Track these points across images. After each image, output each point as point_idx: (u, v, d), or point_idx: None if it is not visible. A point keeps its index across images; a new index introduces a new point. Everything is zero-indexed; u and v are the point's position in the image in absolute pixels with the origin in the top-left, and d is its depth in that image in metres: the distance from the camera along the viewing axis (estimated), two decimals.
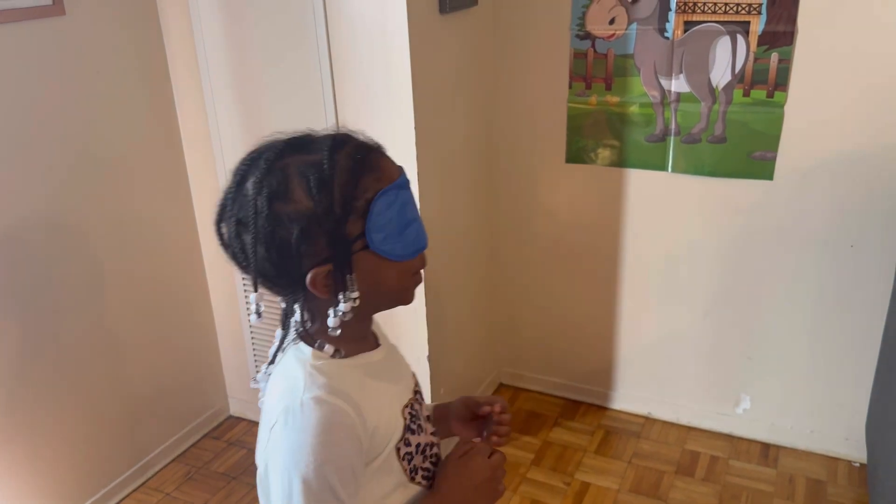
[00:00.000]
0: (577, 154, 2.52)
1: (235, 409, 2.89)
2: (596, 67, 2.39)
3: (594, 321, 2.72)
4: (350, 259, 0.88)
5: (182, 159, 2.53)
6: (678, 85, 2.29)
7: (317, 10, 2.08)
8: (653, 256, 2.53)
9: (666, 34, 2.25)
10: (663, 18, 2.24)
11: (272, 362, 0.96)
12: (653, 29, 2.26)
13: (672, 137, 2.36)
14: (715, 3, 2.16)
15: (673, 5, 2.21)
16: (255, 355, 2.74)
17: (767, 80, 2.17)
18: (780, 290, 2.36)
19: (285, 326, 0.97)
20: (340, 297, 0.88)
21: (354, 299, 0.89)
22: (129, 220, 2.35)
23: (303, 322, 0.94)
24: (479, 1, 2.33)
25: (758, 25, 2.13)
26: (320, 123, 2.21)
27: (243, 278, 2.55)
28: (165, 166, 2.47)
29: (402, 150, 2.12)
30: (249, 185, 0.87)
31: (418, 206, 2.13)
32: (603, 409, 2.82)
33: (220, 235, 0.91)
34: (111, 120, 2.24)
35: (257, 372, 1.00)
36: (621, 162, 2.46)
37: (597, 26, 2.34)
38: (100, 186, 2.24)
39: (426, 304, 2.30)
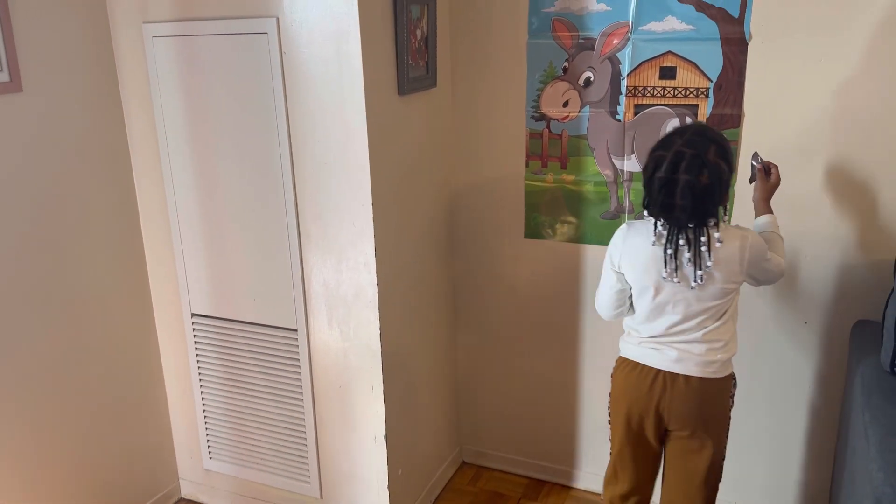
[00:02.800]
0: (535, 230, 2.55)
1: (187, 491, 2.78)
2: (551, 147, 2.45)
3: (556, 396, 2.70)
4: None
5: (139, 232, 2.51)
6: (630, 165, 2.35)
7: (276, 89, 2.11)
8: (613, 332, 2.53)
9: (617, 116, 2.32)
10: (614, 102, 2.31)
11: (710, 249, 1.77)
12: (605, 111, 2.33)
13: (626, 215, 2.40)
14: (664, 88, 2.24)
15: (623, 89, 2.29)
16: (207, 434, 2.66)
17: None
18: (738, 363, 2.37)
19: (709, 223, 1.78)
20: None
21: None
22: (81, 294, 2.31)
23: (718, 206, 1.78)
24: (437, 83, 2.39)
25: (706, 108, 2.21)
26: (279, 200, 2.22)
27: (199, 349, 2.50)
28: (121, 239, 2.45)
29: (360, 227, 2.13)
30: (713, 156, 1.72)
31: (377, 278, 2.16)
32: (567, 488, 2.76)
33: (688, 188, 1.71)
34: (68, 193, 2.23)
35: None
36: (578, 238, 2.49)
37: (551, 108, 2.41)
38: (54, 259, 2.20)
39: (383, 382, 2.26)
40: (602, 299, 2.00)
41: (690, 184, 1.69)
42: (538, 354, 2.69)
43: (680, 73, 2.21)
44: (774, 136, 2.15)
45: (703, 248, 1.75)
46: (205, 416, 2.64)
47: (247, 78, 2.15)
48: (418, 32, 2.24)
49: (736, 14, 2.10)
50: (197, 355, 2.57)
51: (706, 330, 1.84)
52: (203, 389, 2.61)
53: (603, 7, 2.26)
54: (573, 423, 2.70)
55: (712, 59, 2.16)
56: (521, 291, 2.65)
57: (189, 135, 2.32)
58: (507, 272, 2.65)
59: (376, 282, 2.17)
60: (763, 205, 2.01)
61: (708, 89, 2.19)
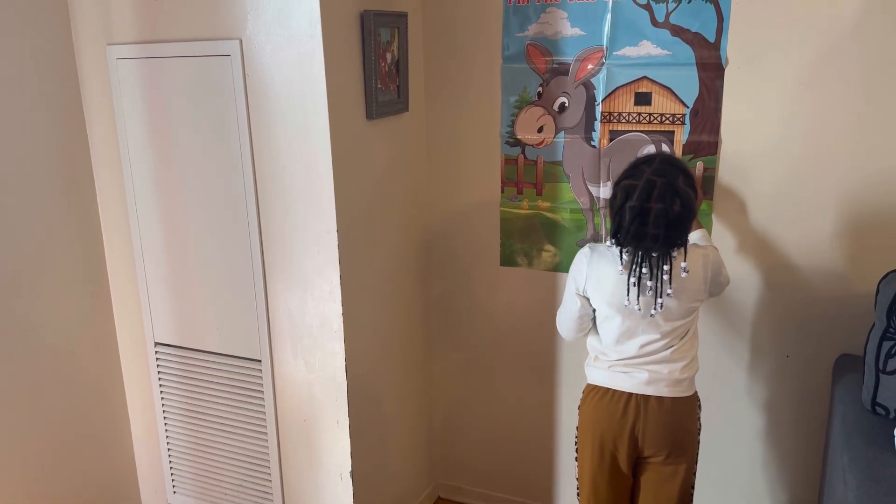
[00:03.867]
0: (511, 257, 2.48)
1: None
2: (527, 173, 2.38)
3: (534, 428, 2.61)
4: None
5: (102, 259, 2.44)
6: (606, 192, 2.29)
7: (239, 113, 2.06)
8: None
9: (593, 143, 2.26)
10: (589, 128, 2.26)
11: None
12: (580, 138, 2.28)
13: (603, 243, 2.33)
14: (639, 114, 2.19)
15: (598, 115, 2.23)
16: (171, 467, 2.56)
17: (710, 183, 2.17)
18: (722, 397, 2.29)
19: (672, 252, 1.76)
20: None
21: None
22: (43, 323, 2.23)
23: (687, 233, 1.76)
24: (409, 107, 2.33)
25: (682, 135, 2.15)
26: (243, 226, 2.15)
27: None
28: (85, 266, 2.37)
29: (325, 254, 2.06)
30: (683, 184, 1.70)
31: (342, 308, 2.09)
32: None
33: (657, 217, 1.69)
34: (30, 220, 2.16)
35: None
36: (555, 266, 2.42)
37: (526, 134, 2.35)
38: (14, 287, 2.13)
39: (349, 415, 2.18)
40: (565, 323, 1.98)
41: (664, 212, 1.67)
42: (515, 385, 2.60)
43: (655, 98, 2.16)
44: (752, 163, 2.09)
45: (666, 277, 1.73)
46: (169, 449, 2.55)
47: (210, 101, 2.10)
48: (388, 56, 2.19)
49: (712, 38, 2.05)
50: (161, 386, 2.49)
51: (673, 349, 1.84)
52: (167, 421, 2.52)
53: (577, 32, 2.21)
54: (551, 456, 2.61)
55: (688, 85, 2.11)
56: (498, 321, 2.58)
57: (152, 160, 2.25)
58: (483, 301, 2.58)
59: (341, 311, 2.09)
60: (693, 222, 2.01)
61: (684, 115, 2.14)
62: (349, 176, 2.07)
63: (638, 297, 1.78)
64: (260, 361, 2.27)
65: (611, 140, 2.24)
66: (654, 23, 2.10)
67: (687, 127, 2.14)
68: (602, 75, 2.20)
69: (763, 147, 2.07)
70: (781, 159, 2.06)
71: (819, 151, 2.02)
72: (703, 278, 1.81)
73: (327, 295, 2.10)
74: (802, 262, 2.11)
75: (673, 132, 2.16)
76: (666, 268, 1.75)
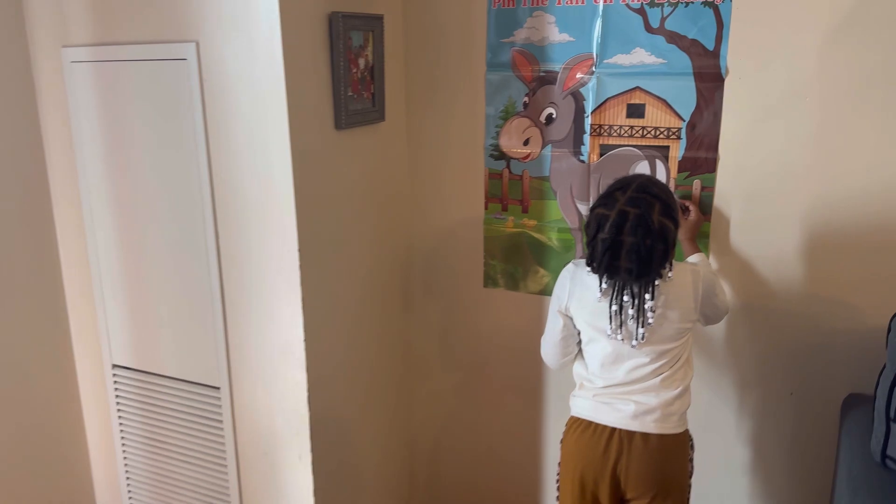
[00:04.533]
0: (495, 279, 2.31)
1: None
2: (512, 189, 2.21)
3: (520, 463, 2.44)
4: None
5: (59, 276, 2.29)
6: None
7: (196, 121, 1.90)
8: None
9: (581, 157, 2.09)
10: (578, 141, 2.08)
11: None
12: (568, 152, 2.11)
13: None
14: (631, 127, 2.01)
15: (587, 128, 2.06)
16: (130, 496, 2.40)
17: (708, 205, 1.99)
18: (716, 436, 2.10)
19: (655, 281, 1.62)
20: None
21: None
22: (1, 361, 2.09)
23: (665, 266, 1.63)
24: (386, 116, 2.17)
25: (677, 151, 1.98)
26: (200, 244, 1.99)
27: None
28: (41, 284, 2.23)
29: (287, 275, 1.90)
30: (657, 214, 1.57)
31: (304, 334, 1.92)
32: None
33: (629, 250, 1.56)
34: None
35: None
36: (542, 289, 2.25)
37: (511, 147, 2.18)
38: None
39: (312, 450, 2.01)
40: (548, 347, 1.85)
41: (636, 246, 1.55)
42: (501, 416, 2.43)
43: (649, 111, 1.98)
44: (753, 182, 1.91)
45: (647, 306, 1.60)
46: (127, 477, 2.39)
47: (167, 110, 1.94)
48: (361, 61, 2.03)
49: (711, 46, 1.88)
50: (119, 410, 2.33)
51: (662, 377, 1.69)
52: (125, 448, 2.37)
53: (566, 37, 2.04)
54: (539, 488, 2.43)
55: (685, 96, 1.93)
56: (482, 345, 2.40)
57: (109, 172, 2.10)
58: (466, 324, 2.41)
59: (303, 337, 1.93)
60: (689, 244, 1.92)
61: (680, 129, 1.96)
62: (314, 190, 1.90)
63: (620, 326, 1.64)
64: (219, 389, 2.11)
65: (601, 155, 2.07)
66: (648, 29, 1.93)
67: (683, 142, 1.96)
68: (592, 85, 2.03)
69: (767, 164, 1.89)
70: (787, 178, 1.88)
71: (827, 170, 1.83)
72: (692, 295, 1.66)
73: (288, 319, 1.93)
74: (809, 289, 1.92)
75: (668, 147, 1.99)
76: (647, 297, 1.61)
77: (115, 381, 2.30)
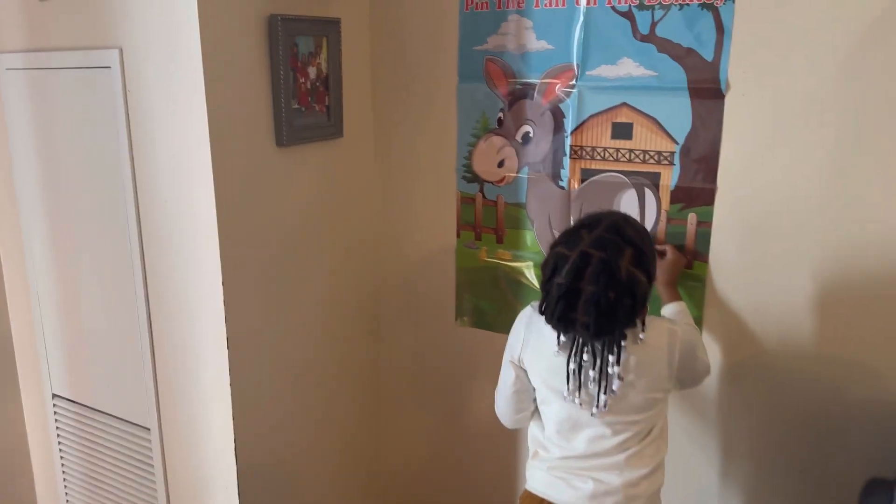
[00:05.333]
0: (468, 314, 2.05)
1: None
2: (486, 216, 1.95)
3: None
4: None
5: (3, 298, 2.14)
6: None
7: (121, 135, 1.70)
8: None
9: (561, 183, 1.82)
10: (557, 164, 1.81)
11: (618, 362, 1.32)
12: (546, 176, 1.83)
13: None
14: (617, 150, 1.73)
15: (567, 149, 1.78)
16: None
17: (684, 246, 1.70)
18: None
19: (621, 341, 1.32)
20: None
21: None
22: None
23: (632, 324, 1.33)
24: (344, 132, 1.94)
25: (669, 178, 1.68)
26: (127, 270, 1.79)
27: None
28: None
29: (213, 311, 1.68)
30: (614, 293, 1.26)
31: (229, 375, 1.70)
32: None
33: (588, 304, 1.26)
34: None
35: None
36: None
37: (485, 168, 1.92)
38: None
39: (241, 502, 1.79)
40: (500, 399, 1.58)
41: (595, 297, 1.26)
42: (476, 465, 2.16)
43: (637, 131, 1.70)
44: (758, 219, 1.61)
45: (612, 371, 1.32)
46: None
47: (94, 122, 1.76)
48: (312, 70, 1.80)
49: (709, 56, 1.58)
50: (59, 444, 2.16)
51: (629, 453, 1.41)
52: (67, 485, 2.19)
53: (544, 45, 1.77)
54: None
55: (678, 115, 1.64)
56: (453, 388, 2.15)
57: (43, 190, 1.94)
58: (438, 365, 2.15)
59: (229, 381, 1.71)
60: (668, 290, 1.62)
61: (673, 154, 1.67)
62: (246, 216, 1.69)
63: (579, 388, 1.37)
64: (149, 430, 1.90)
65: (582, 181, 1.79)
66: (637, 35, 1.65)
67: (676, 168, 1.67)
68: (573, 100, 1.75)
69: (773, 199, 1.58)
70: (797, 216, 1.56)
71: (844, 208, 1.51)
72: (667, 361, 1.38)
73: (212, 358, 1.71)
74: (822, 348, 1.60)
75: (659, 174, 1.69)
76: (612, 359, 1.32)
77: (56, 413, 2.13)
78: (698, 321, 1.70)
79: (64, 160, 1.85)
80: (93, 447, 2.07)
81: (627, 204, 1.74)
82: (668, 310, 1.58)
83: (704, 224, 1.66)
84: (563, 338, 1.37)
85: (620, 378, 1.33)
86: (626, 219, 1.37)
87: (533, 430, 1.55)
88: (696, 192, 1.66)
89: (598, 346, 1.34)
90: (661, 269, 1.64)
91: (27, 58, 1.84)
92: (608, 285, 1.26)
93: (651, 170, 1.70)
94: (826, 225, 1.54)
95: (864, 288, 1.54)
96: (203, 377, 1.76)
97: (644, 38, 1.64)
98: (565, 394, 1.39)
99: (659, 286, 1.63)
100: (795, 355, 1.63)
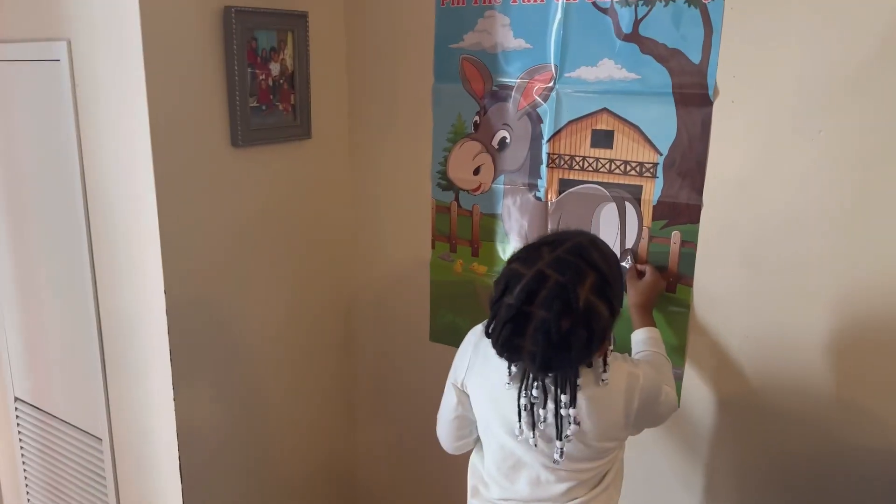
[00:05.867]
0: (443, 332, 1.92)
1: None
2: (461, 226, 1.82)
3: None
4: None
5: None
6: None
7: (69, 133, 1.62)
8: None
9: (538, 193, 1.67)
10: (535, 174, 1.67)
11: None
12: (523, 185, 1.69)
13: None
14: (597, 160, 1.58)
15: (545, 157, 1.64)
16: None
17: (667, 267, 1.54)
18: None
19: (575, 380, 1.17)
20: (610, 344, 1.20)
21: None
22: None
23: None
24: (312, 133, 1.82)
25: (651, 192, 1.53)
26: (79, 281, 1.71)
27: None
28: None
29: (156, 328, 1.58)
30: (568, 323, 1.07)
31: (173, 390, 1.63)
32: None
33: (537, 337, 1.08)
34: None
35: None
36: None
37: (460, 175, 1.79)
38: None
39: None
40: (440, 423, 1.43)
41: (545, 325, 1.08)
42: (449, 482, 2.03)
43: (619, 139, 1.55)
44: (749, 241, 1.44)
45: (565, 413, 1.16)
46: None
47: (44, 118, 1.68)
48: (274, 67, 1.69)
49: (696, 58, 1.42)
50: (22, 448, 2.09)
51: (577, 502, 1.25)
52: (28, 490, 2.13)
53: (521, 44, 1.63)
54: None
55: (662, 123, 1.48)
56: (428, 411, 2.01)
57: (6, 189, 1.87)
58: (412, 381, 2.03)
59: (173, 396, 1.61)
60: (640, 313, 1.45)
61: (656, 166, 1.51)
62: (194, 220, 1.58)
63: (533, 427, 1.21)
64: (101, 441, 1.82)
65: (560, 192, 1.64)
66: (620, 34, 1.50)
67: (659, 181, 1.51)
68: (551, 104, 1.61)
69: (768, 219, 1.41)
70: (795, 239, 1.40)
71: (850, 232, 1.34)
72: (623, 409, 1.21)
73: (161, 377, 1.62)
74: (821, 390, 1.43)
75: (641, 187, 1.54)
76: (564, 399, 1.16)
77: (18, 417, 2.07)
78: (680, 350, 1.54)
79: (21, 156, 1.78)
80: (51, 454, 2.00)
81: (607, 218, 1.59)
82: (639, 336, 1.42)
83: (689, 244, 1.50)
84: (514, 367, 1.23)
85: (577, 423, 1.18)
86: (593, 241, 1.20)
87: (474, 459, 1.40)
88: (681, 208, 1.50)
89: (550, 384, 1.19)
90: (638, 291, 1.49)
91: None
92: (562, 313, 1.09)
93: (632, 182, 1.55)
94: (828, 253, 1.37)
95: (872, 327, 1.36)
96: (150, 390, 1.66)
97: (627, 38, 1.49)
98: (516, 431, 1.24)
99: (632, 308, 1.48)
100: (789, 393, 1.46)
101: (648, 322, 1.44)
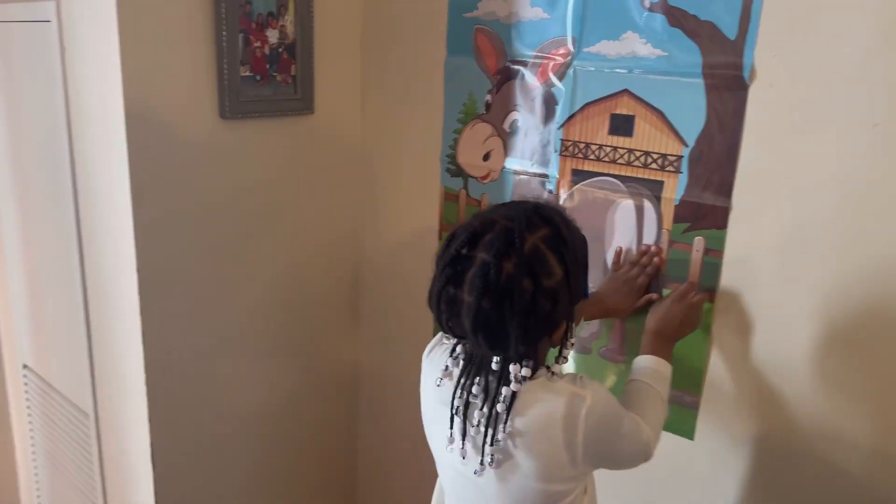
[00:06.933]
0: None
1: None
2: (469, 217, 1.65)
3: None
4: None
5: None
6: None
7: (58, 100, 1.55)
8: None
9: (549, 185, 1.48)
10: (546, 161, 1.48)
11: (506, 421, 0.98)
12: (534, 175, 1.50)
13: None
14: (614, 149, 1.37)
15: (557, 144, 1.45)
16: None
17: (687, 277, 1.32)
18: None
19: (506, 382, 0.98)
20: (568, 342, 1.01)
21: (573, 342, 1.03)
22: None
23: (520, 369, 0.98)
24: (315, 108, 1.69)
25: (674, 190, 1.31)
26: (68, 251, 1.65)
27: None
28: None
29: (129, 308, 1.50)
30: (511, 267, 0.91)
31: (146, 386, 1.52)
32: None
33: (459, 310, 0.94)
34: None
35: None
36: None
37: (469, 160, 1.62)
38: None
39: None
40: None
41: (485, 268, 0.93)
42: None
43: (640, 126, 1.33)
44: (785, 251, 1.21)
45: (501, 407, 0.99)
46: (37, 495, 2.15)
47: (36, 84, 1.63)
48: (272, 34, 1.57)
49: (732, 33, 1.19)
50: (29, 416, 2.09)
51: None
52: (35, 460, 2.12)
53: (538, 13, 1.44)
54: None
55: (690, 109, 1.26)
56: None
57: (7, 146, 1.84)
58: (415, 380, 1.88)
59: (145, 380, 1.52)
60: (653, 340, 1.22)
61: (680, 159, 1.29)
62: (173, 195, 1.49)
63: (464, 434, 1.02)
64: (88, 416, 1.77)
65: (573, 184, 1.45)
66: (646, 3, 1.28)
67: (683, 178, 1.30)
68: (567, 83, 1.41)
69: (806, 223, 1.18)
70: (839, 247, 1.15)
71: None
72: (563, 441, 0.97)
73: (136, 358, 1.54)
74: (865, 439, 1.18)
75: (662, 183, 1.33)
76: (505, 392, 0.98)
77: (26, 385, 2.06)
78: (698, 375, 1.33)
79: (20, 120, 1.74)
80: (50, 423, 1.98)
81: (622, 218, 1.38)
82: (639, 363, 1.20)
83: (714, 252, 1.28)
84: (450, 361, 1.05)
85: (505, 427, 0.98)
86: (541, 207, 1.00)
87: (438, 482, 1.23)
88: (706, 210, 1.28)
89: (493, 378, 1.00)
90: (657, 315, 1.26)
91: None
92: (504, 254, 0.92)
93: (653, 177, 1.33)
94: (886, 270, 1.12)
95: None
96: (130, 370, 1.59)
97: (653, 7, 1.28)
98: (448, 444, 1.05)
99: (650, 334, 1.25)
100: (826, 437, 1.22)
101: (661, 349, 1.20)
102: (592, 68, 1.37)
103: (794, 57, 1.14)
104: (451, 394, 1.04)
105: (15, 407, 2.17)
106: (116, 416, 1.67)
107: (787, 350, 1.23)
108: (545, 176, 1.48)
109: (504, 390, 0.98)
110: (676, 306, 1.25)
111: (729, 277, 1.27)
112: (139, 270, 1.46)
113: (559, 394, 0.98)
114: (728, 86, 1.21)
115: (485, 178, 1.60)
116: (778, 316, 1.23)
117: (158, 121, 1.43)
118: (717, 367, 1.32)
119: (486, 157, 1.58)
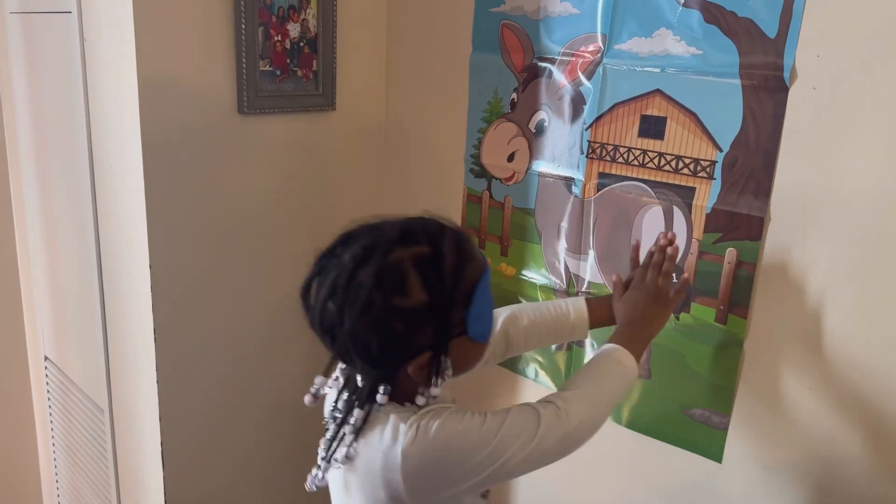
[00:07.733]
0: None
1: None
2: (492, 220, 1.59)
3: None
4: (447, 345, 0.88)
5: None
6: (588, 269, 1.42)
7: (76, 91, 1.54)
8: (548, 481, 1.62)
9: (574, 188, 1.41)
10: (572, 164, 1.41)
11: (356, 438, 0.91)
12: (559, 178, 1.44)
13: (577, 347, 1.48)
14: (644, 152, 1.30)
15: (584, 145, 1.38)
16: None
17: (718, 291, 1.24)
18: None
19: (369, 401, 0.91)
20: (436, 379, 0.90)
21: (446, 378, 0.91)
22: None
23: (383, 395, 0.89)
24: (337, 105, 1.65)
25: (705, 198, 1.23)
26: (85, 246, 1.64)
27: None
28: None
29: (140, 305, 1.48)
30: (364, 275, 0.85)
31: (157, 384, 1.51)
32: None
33: (313, 306, 0.90)
34: None
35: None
36: (514, 364, 1.61)
37: (493, 161, 1.56)
38: None
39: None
40: None
41: (338, 267, 0.89)
42: None
43: (671, 129, 1.26)
44: (823, 268, 1.12)
45: (348, 430, 0.92)
46: (57, 488, 2.16)
47: (58, 75, 1.61)
48: (294, 28, 1.53)
49: (772, 31, 1.11)
50: (49, 408, 2.09)
51: None
52: (55, 452, 2.13)
53: (567, 8, 1.37)
54: None
55: (725, 112, 1.19)
56: None
57: (32, 138, 1.84)
58: None
59: (156, 378, 1.50)
60: (621, 330, 1.12)
61: (713, 164, 1.22)
62: (188, 191, 1.46)
63: (330, 449, 0.94)
64: (104, 412, 1.76)
65: (599, 188, 1.38)
66: (680, 0, 1.21)
67: (716, 184, 1.22)
68: (595, 82, 1.34)
69: (848, 239, 1.09)
70: (885, 261, 1.07)
71: None
72: (380, 476, 0.88)
73: (144, 366, 1.51)
74: (878, 432, 1.10)
75: (693, 190, 1.25)
76: (355, 416, 0.91)
77: (47, 376, 2.06)
78: (727, 394, 1.25)
79: (42, 112, 1.74)
80: (69, 416, 1.97)
81: (650, 225, 1.31)
82: (605, 348, 1.07)
83: (747, 265, 1.20)
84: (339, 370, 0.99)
85: (348, 449, 0.91)
86: (458, 231, 0.93)
87: None
88: (740, 219, 1.20)
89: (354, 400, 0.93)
90: (624, 300, 1.17)
91: (21, 0, 1.73)
92: (362, 260, 0.86)
93: (684, 183, 1.26)
94: None
95: None
96: (142, 367, 1.57)
97: (688, 3, 1.20)
98: (321, 456, 0.96)
99: (615, 304, 1.17)
100: (866, 471, 1.14)
101: (625, 342, 1.07)
102: (623, 67, 1.30)
103: (840, 58, 1.05)
104: (334, 403, 0.97)
105: (37, 398, 2.18)
106: (130, 413, 1.66)
107: (828, 372, 1.14)
108: (571, 179, 1.41)
109: (355, 412, 0.91)
110: (637, 300, 1.14)
111: (763, 292, 1.19)
112: (152, 266, 1.43)
113: (385, 435, 0.89)
114: (766, 87, 1.13)
115: (509, 179, 1.54)
116: (817, 335, 1.14)
117: (175, 115, 1.40)
118: (748, 388, 1.24)
119: (510, 158, 1.52)
